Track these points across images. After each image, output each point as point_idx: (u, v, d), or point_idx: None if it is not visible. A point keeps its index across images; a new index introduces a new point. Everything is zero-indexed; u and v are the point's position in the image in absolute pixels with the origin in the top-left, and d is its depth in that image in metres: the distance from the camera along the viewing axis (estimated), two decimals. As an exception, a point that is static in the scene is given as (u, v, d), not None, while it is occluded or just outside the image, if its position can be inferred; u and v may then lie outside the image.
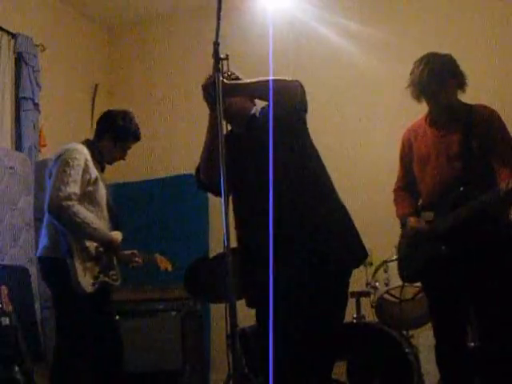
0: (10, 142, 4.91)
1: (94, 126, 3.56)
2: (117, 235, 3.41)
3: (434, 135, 3.10)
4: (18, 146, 4.94)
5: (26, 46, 5.05)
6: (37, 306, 4.46)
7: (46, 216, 3.26)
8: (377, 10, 5.28)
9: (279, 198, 2.28)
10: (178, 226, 5.51)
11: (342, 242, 2.40)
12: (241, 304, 2.50)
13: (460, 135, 3.02)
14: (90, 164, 3.28)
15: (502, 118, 3.05)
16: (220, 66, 2.18)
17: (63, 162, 3.19)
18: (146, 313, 4.65)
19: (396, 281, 3.68)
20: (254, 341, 2.72)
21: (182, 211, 5.54)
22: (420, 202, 3.21)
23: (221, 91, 2.15)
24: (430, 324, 3.27)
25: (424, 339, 4.05)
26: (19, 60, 5.04)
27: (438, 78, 3.00)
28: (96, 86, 6.00)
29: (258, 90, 2.41)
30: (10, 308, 3.81)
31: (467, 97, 3.15)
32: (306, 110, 2.50)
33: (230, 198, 2.48)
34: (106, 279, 3.30)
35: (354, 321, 3.98)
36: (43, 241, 3.29)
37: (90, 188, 3.25)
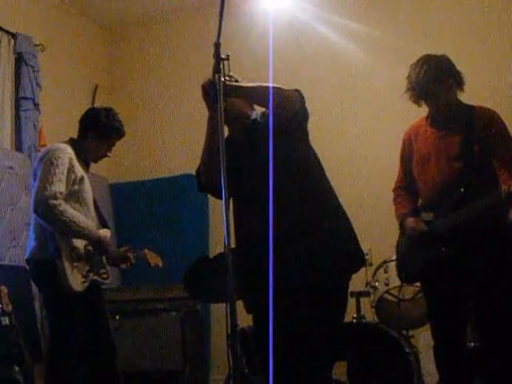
0: (9, 142, 4.90)
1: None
2: (105, 233, 3.40)
3: (435, 135, 3.10)
4: (18, 146, 4.94)
5: (25, 46, 5.05)
6: (37, 305, 4.46)
7: (33, 217, 3.24)
8: (377, 9, 5.28)
9: (278, 203, 2.28)
10: (178, 226, 5.51)
11: (342, 247, 2.39)
12: (241, 304, 2.50)
13: (461, 136, 3.02)
14: (75, 163, 3.27)
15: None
16: (221, 66, 2.16)
17: (47, 161, 3.18)
18: (146, 313, 4.65)
19: (396, 281, 3.67)
20: (253, 341, 2.71)
21: (182, 211, 5.54)
22: (420, 202, 3.21)
23: (221, 91, 2.14)
24: (429, 324, 3.27)
25: (424, 339, 4.06)
26: (19, 60, 5.03)
27: (434, 78, 3.00)
28: (96, 86, 6.00)
29: (256, 94, 2.38)
30: (9, 308, 3.81)
31: (467, 97, 3.15)
32: (306, 119, 2.48)
33: (230, 200, 2.47)
34: (96, 278, 3.30)
35: (354, 321, 3.98)
36: (30, 242, 3.28)
37: (76, 187, 3.24)
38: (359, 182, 5.00)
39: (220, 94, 2.13)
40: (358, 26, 5.14)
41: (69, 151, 3.28)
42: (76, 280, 3.15)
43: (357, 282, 3.98)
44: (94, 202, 3.43)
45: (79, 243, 3.24)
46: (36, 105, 5.06)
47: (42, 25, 5.44)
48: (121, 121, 3.47)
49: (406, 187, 3.28)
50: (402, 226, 3.21)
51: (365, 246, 3.78)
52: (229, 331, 2.04)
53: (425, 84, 3.02)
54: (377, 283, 3.97)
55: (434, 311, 3.13)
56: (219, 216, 2.08)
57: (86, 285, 3.20)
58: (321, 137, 2.65)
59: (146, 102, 6.02)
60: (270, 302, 2.16)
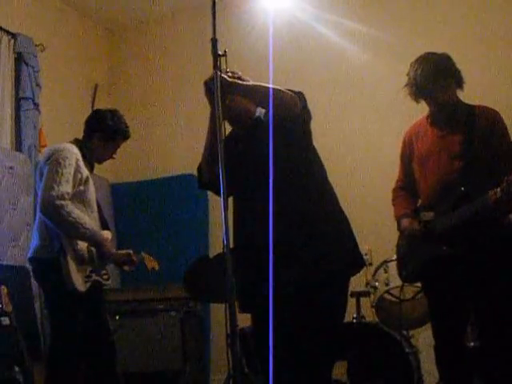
0: (9, 142, 4.90)
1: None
2: (107, 235, 3.41)
3: (435, 135, 3.10)
4: (18, 146, 4.94)
5: (25, 46, 5.05)
6: (37, 305, 4.46)
7: (38, 216, 3.25)
8: (376, 9, 5.28)
9: (278, 202, 2.28)
10: (178, 226, 5.51)
11: (341, 248, 2.39)
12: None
13: (461, 135, 3.02)
14: (81, 163, 3.28)
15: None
16: (218, 62, 2.17)
17: (54, 161, 3.18)
18: (146, 313, 4.65)
19: (396, 281, 3.68)
20: (253, 341, 2.71)
21: (182, 211, 5.54)
22: (420, 201, 3.21)
23: (221, 87, 2.14)
24: (430, 324, 3.27)
25: (424, 339, 4.06)
26: (19, 60, 5.03)
27: (433, 76, 3.00)
28: (96, 86, 6.00)
29: (256, 93, 2.38)
30: (9, 308, 3.81)
31: (467, 96, 3.15)
32: (307, 121, 2.48)
33: (231, 198, 2.47)
34: (98, 278, 3.30)
35: (354, 321, 3.98)
36: (34, 241, 3.28)
37: (81, 187, 3.25)
38: (359, 182, 5.00)
39: (217, 90, 2.12)
40: (357, 26, 5.13)
41: (75, 151, 3.29)
42: (79, 280, 3.16)
43: (357, 281, 3.98)
44: (97, 203, 3.44)
45: (82, 244, 3.24)
46: (36, 105, 5.06)
47: (42, 25, 5.44)
48: (126, 123, 3.49)
49: (406, 187, 3.28)
50: (400, 226, 3.21)
51: (365, 246, 3.81)
52: (229, 331, 2.05)
53: (422, 83, 3.02)
54: (377, 283, 3.96)
55: (434, 311, 3.13)
56: (219, 216, 2.08)
57: (88, 285, 3.21)
58: (320, 137, 2.64)
59: (146, 102, 6.02)
60: (270, 302, 2.16)
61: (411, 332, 4.03)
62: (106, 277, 3.39)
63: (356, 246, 2.46)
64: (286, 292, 2.27)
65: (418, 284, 3.49)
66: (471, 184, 2.91)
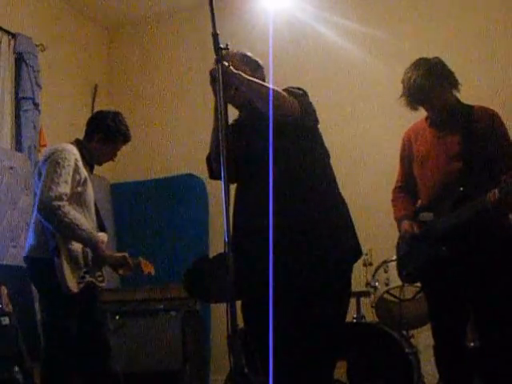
0: (9, 142, 4.91)
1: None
2: (103, 237, 3.40)
3: (434, 135, 3.11)
4: (18, 146, 4.94)
5: (25, 46, 5.05)
6: (36, 305, 4.45)
7: (34, 215, 3.25)
8: (376, 10, 5.28)
9: (279, 189, 2.30)
10: (177, 226, 5.51)
11: (341, 236, 2.40)
12: (240, 304, 2.50)
13: (460, 136, 3.02)
14: (80, 164, 3.27)
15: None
16: (220, 55, 2.20)
17: (53, 162, 3.18)
18: (146, 313, 4.65)
19: (396, 281, 3.68)
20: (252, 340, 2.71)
21: (182, 211, 5.54)
22: (419, 202, 3.21)
23: (225, 77, 2.19)
24: (429, 324, 3.27)
25: (424, 339, 4.05)
26: (19, 60, 5.04)
27: (426, 82, 3.00)
28: (96, 86, 6.00)
29: (256, 92, 2.39)
30: (9, 308, 3.80)
31: (468, 97, 3.15)
32: (310, 122, 2.48)
33: (233, 195, 2.49)
34: (92, 280, 3.30)
35: (354, 321, 3.98)
36: (30, 240, 3.28)
37: (80, 188, 3.25)
38: (359, 182, 5.00)
39: (220, 85, 2.17)
40: (357, 26, 5.14)
41: (74, 152, 3.28)
42: (72, 281, 3.15)
43: (357, 282, 3.99)
44: (95, 204, 3.43)
45: (77, 245, 3.24)
46: (36, 105, 5.06)
47: (42, 25, 5.44)
48: (127, 125, 3.48)
49: (406, 188, 3.28)
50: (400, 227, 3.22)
51: (365, 246, 3.79)
52: (229, 331, 2.04)
53: (417, 92, 3.02)
54: (377, 283, 3.96)
55: (434, 311, 3.13)
56: (219, 216, 2.08)
57: (81, 286, 3.20)
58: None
59: (146, 102, 6.02)
60: (270, 302, 2.16)
61: (411, 332, 4.03)
62: (100, 278, 3.38)
63: (354, 234, 2.48)
64: (286, 281, 2.27)
65: (418, 284, 3.49)
66: (470, 184, 2.91)
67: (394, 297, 3.98)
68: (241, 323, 2.28)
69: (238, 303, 2.17)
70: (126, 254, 3.50)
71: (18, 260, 4.42)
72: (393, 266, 3.68)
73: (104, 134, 3.40)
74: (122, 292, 4.83)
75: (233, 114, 2.59)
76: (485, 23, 4.93)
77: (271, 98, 2.29)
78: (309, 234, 2.35)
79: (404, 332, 3.92)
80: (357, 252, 2.51)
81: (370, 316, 4.09)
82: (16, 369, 3.64)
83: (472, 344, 3.36)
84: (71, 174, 3.18)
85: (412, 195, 3.25)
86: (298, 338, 2.32)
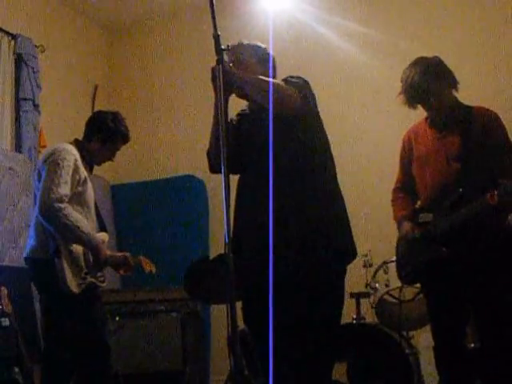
0: (9, 142, 4.90)
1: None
2: (103, 237, 3.40)
3: (434, 136, 3.11)
4: (18, 146, 4.94)
5: (25, 47, 5.05)
6: (36, 306, 4.45)
7: (34, 216, 3.25)
8: (376, 10, 5.28)
9: (279, 184, 2.31)
10: (178, 227, 5.51)
11: (337, 235, 2.41)
12: (241, 305, 2.50)
13: (460, 136, 3.02)
14: (80, 164, 3.27)
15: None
16: (222, 57, 2.24)
17: (53, 162, 3.18)
18: (147, 314, 4.65)
19: (396, 282, 3.67)
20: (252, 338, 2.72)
21: (182, 211, 5.54)
22: (419, 203, 3.21)
23: (226, 77, 2.24)
24: (429, 325, 3.27)
25: (424, 340, 4.05)
26: (19, 61, 5.04)
27: (424, 80, 3.00)
28: (96, 86, 6.00)
29: (256, 88, 2.44)
30: (9, 309, 3.80)
31: (468, 97, 3.15)
32: (310, 110, 2.51)
33: (233, 195, 2.50)
34: (93, 280, 3.30)
35: (354, 322, 3.98)
36: (30, 241, 3.27)
37: (79, 188, 3.24)
38: (359, 183, 5.00)
39: (220, 86, 2.21)
40: (357, 27, 5.14)
41: (74, 152, 3.28)
42: (74, 281, 3.15)
43: (357, 282, 4.00)
44: (95, 204, 3.43)
45: (78, 246, 3.24)
46: (36, 106, 5.06)
47: (42, 26, 5.44)
48: (127, 126, 3.48)
49: (406, 188, 3.28)
50: (400, 228, 3.21)
51: (365, 247, 3.80)
52: (229, 332, 2.04)
53: (414, 89, 3.03)
54: (377, 284, 3.96)
55: (433, 312, 3.13)
56: (219, 216, 2.09)
57: (82, 287, 3.20)
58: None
59: (146, 102, 6.02)
60: (270, 301, 2.17)
61: (411, 333, 4.03)
62: (101, 279, 3.38)
63: (350, 234, 2.49)
64: (283, 279, 2.27)
65: (418, 285, 3.49)
66: (469, 185, 2.91)
67: (394, 298, 3.98)
68: (241, 324, 2.28)
69: (238, 304, 2.17)
70: (127, 254, 3.50)
71: (18, 261, 4.42)
72: (393, 267, 3.68)
73: (104, 135, 3.40)
74: (123, 293, 4.83)
75: (234, 109, 2.62)
76: (485, 23, 4.93)
77: (271, 92, 2.31)
78: (305, 233, 2.35)
79: (404, 333, 3.92)
80: (351, 252, 2.51)
81: (370, 317, 4.09)
82: (16, 369, 3.64)
83: (472, 345, 3.36)
84: (71, 174, 3.18)
85: (412, 195, 3.25)
86: (295, 336, 2.32)
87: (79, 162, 3.28)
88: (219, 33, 2.22)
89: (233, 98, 2.57)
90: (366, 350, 3.80)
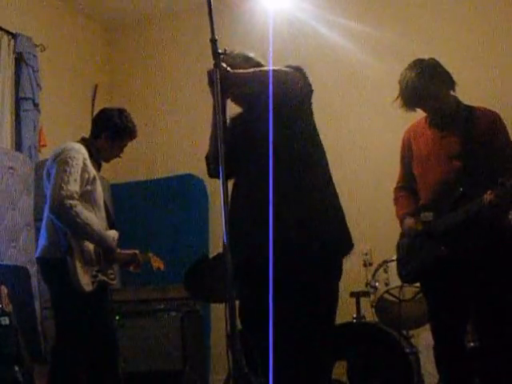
0: (9, 142, 4.91)
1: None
2: (114, 234, 3.41)
3: (434, 135, 3.11)
4: (18, 146, 4.94)
5: (25, 46, 5.05)
6: (37, 305, 4.46)
7: (46, 215, 3.25)
8: (376, 9, 5.29)
9: (276, 184, 2.31)
10: (177, 226, 5.51)
11: (331, 228, 2.41)
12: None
13: (460, 136, 3.02)
14: (88, 163, 3.28)
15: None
16: (219, 61, 2.24)
17: (62, 161, 3.18)
18: (147, 313, 4.65)
19: (396, 281, 3.67)
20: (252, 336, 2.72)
21: (182, 211, 5.54)
22: (420, 202, 3.21)
23: (223, 80, 2.23)
24: (429, 324, 3.27)
25: (424, 339, 4.06)
26: (19, 60, 5.04)
27: (420, 83, 3.00)
28: (96, 86, 6.00)
29: (257, 81, 2.45)
30: (9, 308, 3.80)
31: (468, 97, 3.15)
32: (309, 95, 2.53)
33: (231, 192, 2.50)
34: (105, 278, 3.30)
35: (354, 321, 3.98)
36: (42, 240, 3.27)
37: (89, 187, 3.25)
38: (359, 182, 5.00)
39: (217, 87, 2.20)
40: (357, 26, 5.14)
41: (83, 151, 3.29)
42: (86, 280, 3.16)
43: (357, 281, 4.00)
44: (104, 202, 3.44)
45: (90, 244, 3.24)
46: (36, 105, 5.07)
47: (42, 25, 5.45)
48: (133, 122, 3.49)
49: (407, 187, 3.28)
50: (402, 225, 3.21)
51: (365, 246, 3.80)
52: (229, 331, 2.04)
53: (411, 92, 3.03)
54: (377, 283, 3.97)
55: (433, 311, 3.13)
56: (219, 216, 2.09)
57: (94, 285, 3.21)
58: (320, 136, 2.64)
59: (146, 102, 6.02)
60: (270, 293, 2.17)
61: (411, 332, 4.04)
62: (112, 276, 3.39)
63: (346, 227, 2.48)
64: (280, 274, 2.27)
65: (418, 284, 3.49)
66: (470, 185, 2.91)
67: (394, 297, 3.98)
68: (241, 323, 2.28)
69: (238, 303, 2.17)
70: (136, 251, 3.51)
71: (18, 260, 4.43)
72: (393, 266, 3.68)
73: (111, 132, 3.40)
74: (123, 292, 4.83)
75: (232, 112, 2.62)
76: (486, 23, 4.93)
77: (271, 79, 2.34)
78: (300, 227, 2.36)
79: (404, 332, 3.93)
80: (345, 243, 2.50)
81: (370, 316, 4.09)
82: (16, 368, 3.64)
83: (472, 344, 3.36)
84: (80, 172, 3.19)
85: (413, 194, 3.25)
86: (292, 330, 2.32)
87: (88, 161, 3.29)
88: (216, 37, 2.22)
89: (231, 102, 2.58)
90: (365, 349, 3.80)
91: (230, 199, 2.36)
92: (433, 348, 3.10)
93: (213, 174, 2.57)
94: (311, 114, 2.58)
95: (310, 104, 2.57)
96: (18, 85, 5.00)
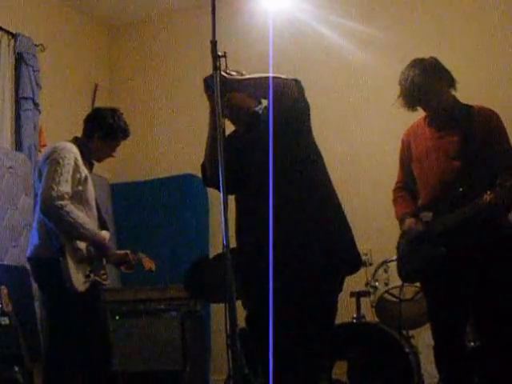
0: (9, 142, 4.91)
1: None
2: (105, 235, 3.40)
3: (433, 135, 3.11)
4: (18, 145, 4.94)
5: (25, 46, 5.05)
6: (37, 305, 4.46)
7: (37, 215, 3.24)
8: (376, 9, 5.28)
9: (278, 198, 2.29)
10: (178, 226, 5.51)
11: (339, 245, 2.40)
12: (241, 304, 2.50)
13: (459, 135, 3.02)
14: (80, 163, 3.27)
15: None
16: (218, 63, 2.20)
17: (54, 161, 3.17)
18: (147, 313, 4.65)
19: (396, 281, 3.68)
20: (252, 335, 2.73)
21: (182, 211, 5.54)
22: (419, 202, 3.21)
23: (221, 86, 2.17)
24: (429, 324, 3.27)
25: (424, 339, 4.06)
26: (19, 60, 5.04)
27: (422, 81, 3.00)
28: (96, 85, 6.00)
29: (255, 85, 2.43)
30: (9, 308, 3.81)
31: (468, 97, 3.15)
32: (306, 109, 2.50)
33: (232, 197, 2.49)
34: (97, 278, 3.30)
35: (354, 321, 3.98)
36: (34, 241, 3.26)
37: (80, 187, 3.24)
38: (359, 182, 5.00)
39: (217, 92, 2.16)
40: (357, 26, 5.14)
41: (74, 151, 3.28)
42: (78, 280, 3.15)
43: (357, 281, 3.99)
44: (96, 202, 3.44)
45: (82, 244, 3.24)
46: (36, 105, 5.07)
47: (42, 25, 5.45)
48: (126, 122, 3.48)
49: (406, 187, 3.28)
50: (402, 226, 3.21)
51: (365, 246, 3.80)
52: (229, 331, 2.04)
53: (412, 90, 3.02)
54: (377, 283, 3.97)
55: (433, 311, 3.13)
56: (219, 216, 2.09)
57: (87, 285, 3.21)
58: (320, 137, 2.64)
59: (146, 102, 6.02)
60: (270, 302, 2.17)
61: (411, 332, 4.03)
62: (104, 277, 3.38)
63: (354, 243, 2.46)
64: (282, 290, 2.27)
65: (418, 284, 3.49)
66: (469, 184, 2.92)
67: (394, 297, 3.98)
68: (241, 323, 2.28)
69: (238, 303, 2.17)
70: (128, 252, 3.51)
71: (18, 260, 4.43)
72: (393, 265, 3.68)
73: (104, 132, 3.39)
74: (122, 292, 4.83)
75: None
76: (485, 22, 4.93)
77: (271, 85, 2.31)
78: (305, 246, 2.34)
79: (404, 332, 3.92)
80: (353, 263, 2.49)
81: (370, 316, 4.09)
82: (16, 368, 3.64)
83: (472, 344, 3.36)
84: (71, 172, 3.18)
85: (413, 195, 3.25)
86: (292, 332, 2.32)
87: (79, 161, 3.28)
88: (216, 39, 2.20)
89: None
90: (366, 349, 3.80)
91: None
92: (433, 348, 3.10)
93: (209, 183, 2.55)
94: (310, 131, 2.53)
95: (309, 121, 2.53)
96: (18, 85, 5.00)
